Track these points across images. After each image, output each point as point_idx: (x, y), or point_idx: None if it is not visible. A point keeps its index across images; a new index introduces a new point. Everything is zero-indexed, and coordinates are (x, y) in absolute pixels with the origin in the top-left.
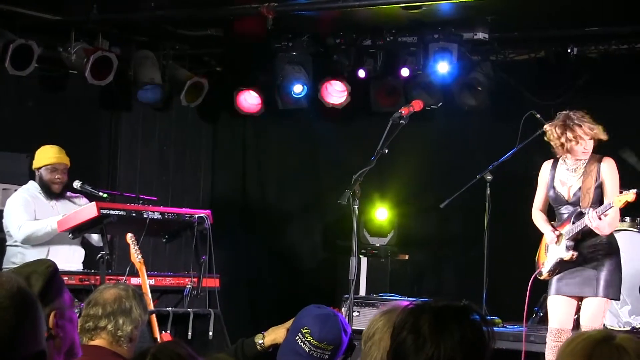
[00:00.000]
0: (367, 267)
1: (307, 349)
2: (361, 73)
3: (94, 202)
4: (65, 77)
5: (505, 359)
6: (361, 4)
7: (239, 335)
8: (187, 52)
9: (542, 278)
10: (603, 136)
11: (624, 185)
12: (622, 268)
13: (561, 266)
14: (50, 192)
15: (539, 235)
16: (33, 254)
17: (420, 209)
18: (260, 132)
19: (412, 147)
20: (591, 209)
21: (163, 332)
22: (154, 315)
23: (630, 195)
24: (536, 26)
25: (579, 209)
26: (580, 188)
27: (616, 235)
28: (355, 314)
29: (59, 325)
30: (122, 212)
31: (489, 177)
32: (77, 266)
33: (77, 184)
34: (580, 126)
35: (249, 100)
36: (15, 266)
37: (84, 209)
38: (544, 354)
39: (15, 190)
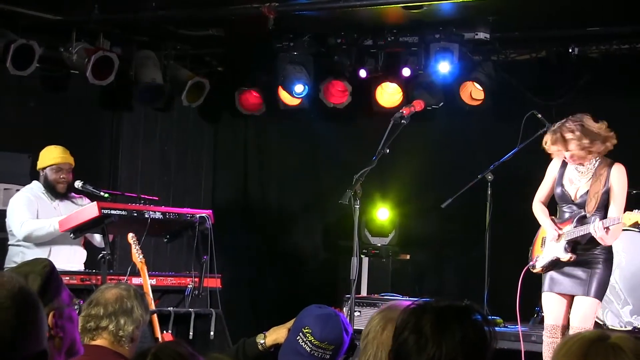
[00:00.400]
0: (368, 267)
1: (308, 349)
2: (362, 73)
3: (95, 202)
4: (67, 77)
5: (507, 359)
6: (362, 4)
7: (240, 335)
8: (189, 52)
9: (534, 271)
10: (602, 147)
11: (633, 186)
12: (615, 271)
13: (556, 264)
14: (55, 192)
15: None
16: (35, 254)
17: (422, 209)
18: (261, 132)
19: (414, 147)
20: (597, 218)
21: (164, 332)
22: (155, 315)
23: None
24: (537, 26)
25: (583, 212)
26: (587, 191)
27: None
28: (356, 314)
29: (58, 325)
30: (123, 212)
31: (490, 177)
32: (79, 266)
33: (78, 184)
34: (570, 140)
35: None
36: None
37: (85, 209)
38: None
39: (17, 190)
